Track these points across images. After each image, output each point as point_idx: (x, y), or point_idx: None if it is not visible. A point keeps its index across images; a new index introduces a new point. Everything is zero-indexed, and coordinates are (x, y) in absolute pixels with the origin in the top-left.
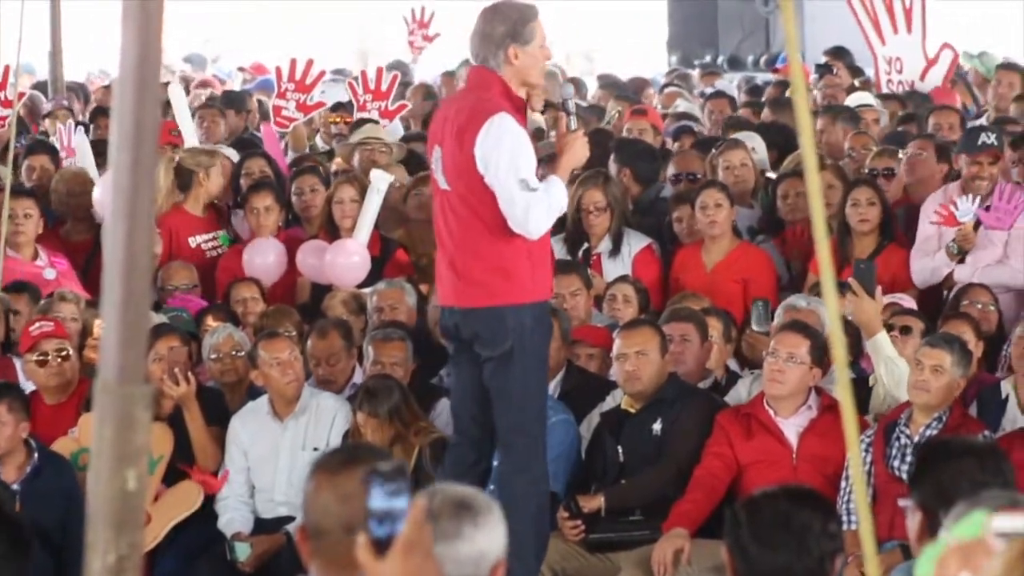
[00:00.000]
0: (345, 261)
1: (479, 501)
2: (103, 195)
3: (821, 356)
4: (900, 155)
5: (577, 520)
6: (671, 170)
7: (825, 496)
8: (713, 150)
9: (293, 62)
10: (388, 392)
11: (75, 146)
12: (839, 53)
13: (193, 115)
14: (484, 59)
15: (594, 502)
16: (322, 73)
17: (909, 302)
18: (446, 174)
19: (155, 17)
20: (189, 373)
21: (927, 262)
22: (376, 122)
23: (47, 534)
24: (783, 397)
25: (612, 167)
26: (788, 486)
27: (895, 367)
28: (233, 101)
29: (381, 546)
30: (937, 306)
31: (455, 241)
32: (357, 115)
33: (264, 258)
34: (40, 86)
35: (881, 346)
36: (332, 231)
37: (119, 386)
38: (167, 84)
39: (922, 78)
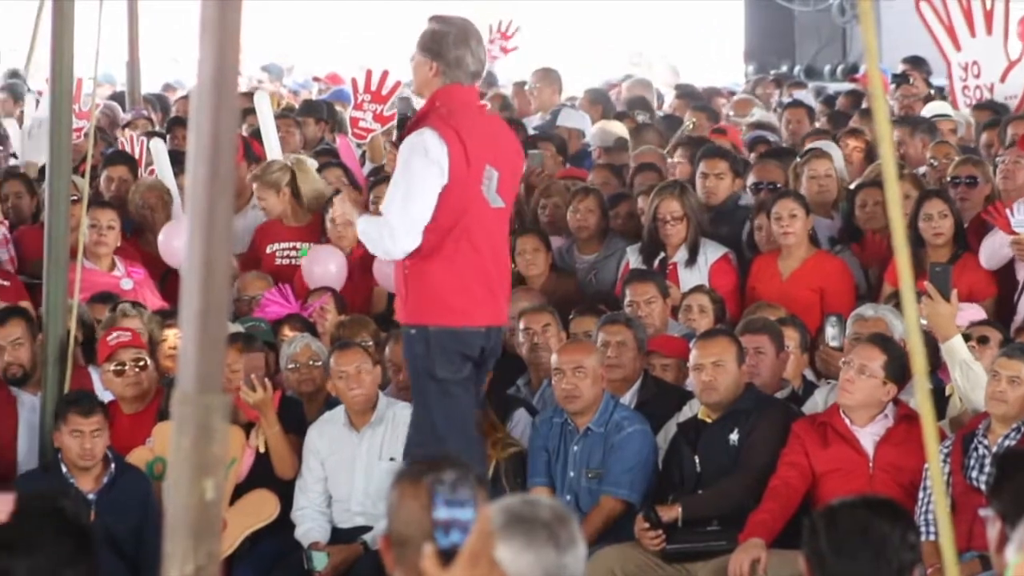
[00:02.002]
0: None
1: (567, 516)
2: (167, 237)
3: (898, 372)
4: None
5: (655, 529)
6: (751, 179)
7: (903, 506)
8: (797, 159)
9: (368, 73)
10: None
11: (153, 156)
12: (916, 63)
13: None
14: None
15: (671, 512)
16: (398, 84)
17: (980, 313)
18: (502, 193)
19: (233, 28)
20: (267, 380)
21: (994, 239)
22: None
23: (122, 544)
24: (854, 408)
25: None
26: (867, 496)
27: (970, 371)
28: (312, 111)
29: (446, 556)
30: (1011, 316)
31: (502, 261)
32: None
33: (323, 267)
34: (118, 97)
35: (956, 350)
36: None
37: (197, 396)
38: (250, 94)
39: (1003, 80)
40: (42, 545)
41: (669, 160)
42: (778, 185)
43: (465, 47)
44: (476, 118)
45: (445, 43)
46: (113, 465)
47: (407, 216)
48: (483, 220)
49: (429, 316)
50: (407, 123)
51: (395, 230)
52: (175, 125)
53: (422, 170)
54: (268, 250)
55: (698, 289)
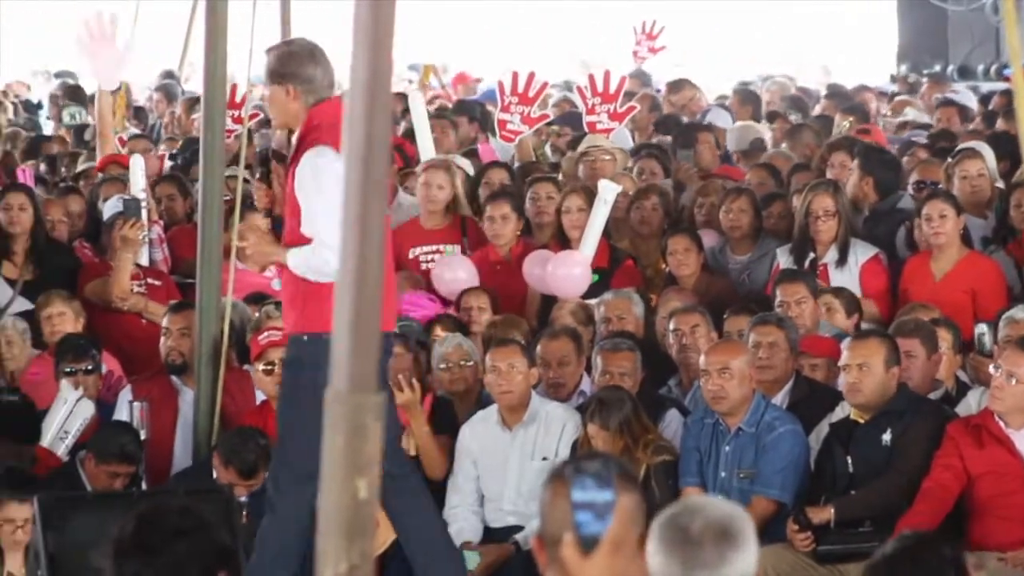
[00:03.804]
0: (566, 273)
1: (738, 524)
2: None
3: None
4: None
5: (806, 531)
6: (914, 177)
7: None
8: (949, 159)
9: (515, 75)
10: (620, 404)
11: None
12: None
13: None
14: None
15: (823, 514)
16: (545, 85)
17: None
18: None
19: (386, 28)
20: (414, 380)
21: None
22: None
23: None
24: (1005, 412)
25: (854, 174)
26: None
27: None
28: (465, 110)
29: (587, 544)
30: None
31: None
32: (587, 119)
33: (453, 273)
34: None
35: None
36: (563, 240)
37: (350, 395)
38: (405, 95)
39: None
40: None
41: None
42: (940, 184)
43: (313, 63)
44: None
45: (292, 63)
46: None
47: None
48: None
49: (320, 323)
50: (268, 158)
51: (335, 249)
52: None
53: (334, 187)
54: (411, 254)
55: (828, 290)
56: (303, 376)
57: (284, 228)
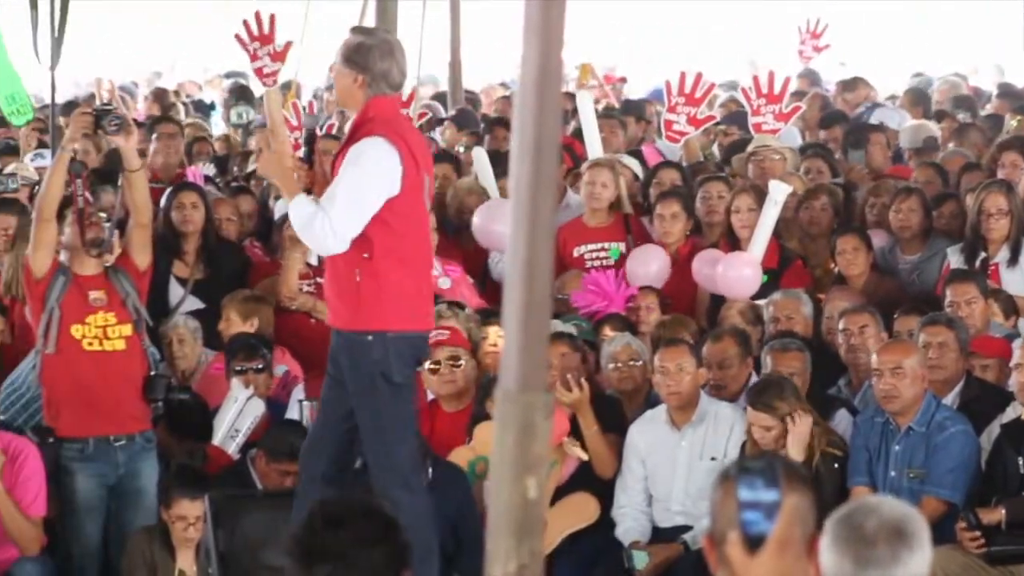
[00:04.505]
0: (736, 274)
1: (913, 525)
2: (482, 220)
3: None
4: None
5: (976, 532)
6: None
7: None
8: None
9: (683, 75)
10: (780, 386)
11: (474, 161)
12: None
13: None
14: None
15: (994, 515)
16: (712, 86)
17: None
18: (431, 199)
19: (557, 28)
20: (583, 380)
21: None
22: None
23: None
24: None
25: None
26: None
27: None
28: (633, 110)
29: (753, 543)
30: None
31: (431, 266)
32: (752, 120)
33: (646, 267)
34: (440, 97)
35: None
36: (732, 240)
37: (520, 394)
38: (572, 94)
39: None
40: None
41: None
42: None
43: (391, 59)
44: (410, 127)
45: (371, 56)
46: (431, 464)
47: (350, 218)
48: (425, 226)
49: (388, 321)
50: (314, 139)
51: (337, 229)
52: (494, 125)
53: (375, 178)
54: (575, 253)
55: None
56: (372, 372)
57: None
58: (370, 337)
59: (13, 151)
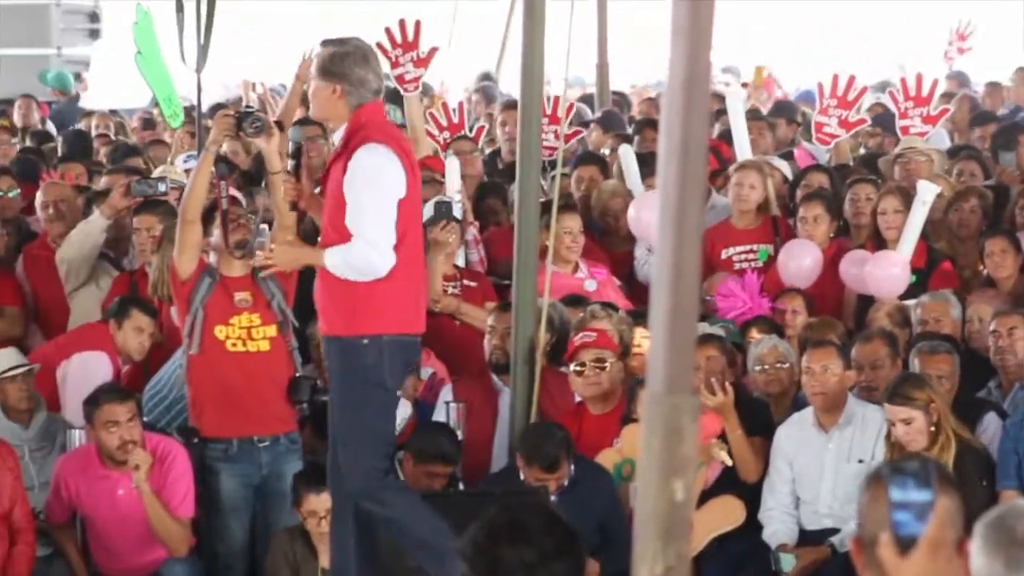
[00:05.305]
0: (884, 273)
1: None
2: (637, 211)
3: None
4: None
5: None
6: None
7: None
8: None
9: (835, 78)
10: (916, 378)
11: (621, 160)
12: None
13: None
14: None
15: None
16: (864, 89)
17: None
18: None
19: (705, 30)
20: (727, 383)
21: None
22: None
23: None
24: None
25: None
26: None
27: None
28: (783, 111)
29: (904, 545)
30: None
31: (423, 265)
32: (900, 123)
33: (799, 263)
34: (587, 99)
35: None
36: (878, 241)
37: (667, 396)
38: (721, 95)
39: None
40: (533, 537)
41: None
42: None
43: (366, 66)
44: (401, 132)
45: (346, 64)
46: (575, 466)
47: (386, 230)
48: (418, 228)
49: (383, 325)
50: (301, 153)
51: (378, 244)
52: (643, 127)
53: (389, 184)
54: (723, 255)
55: None
56: (366, 377)
57: (321, 230)
58: (365, 341)
59: (135, 152)
